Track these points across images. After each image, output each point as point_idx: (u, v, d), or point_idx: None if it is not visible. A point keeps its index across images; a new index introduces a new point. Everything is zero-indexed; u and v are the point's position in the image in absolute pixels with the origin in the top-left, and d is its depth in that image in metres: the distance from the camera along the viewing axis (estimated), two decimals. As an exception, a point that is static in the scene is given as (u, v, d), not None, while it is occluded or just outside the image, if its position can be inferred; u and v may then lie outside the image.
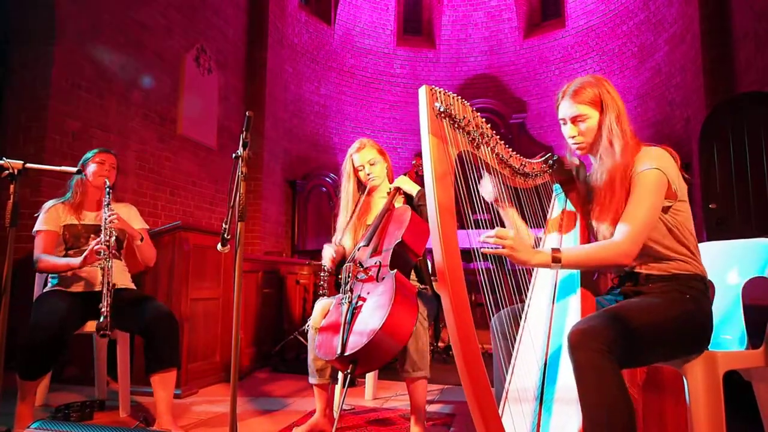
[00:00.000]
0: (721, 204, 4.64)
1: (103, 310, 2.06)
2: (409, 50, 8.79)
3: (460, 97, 1.40)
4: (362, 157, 2.32)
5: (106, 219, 2.19)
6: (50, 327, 2.00)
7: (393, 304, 1.75)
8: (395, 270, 1.93)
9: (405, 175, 2.34)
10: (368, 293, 1.93)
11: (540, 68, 8.23)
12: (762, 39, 4.46)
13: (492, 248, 1.36)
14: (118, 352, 2.40)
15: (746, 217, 4.45)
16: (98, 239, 2.17)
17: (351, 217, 2.33)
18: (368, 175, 2.32)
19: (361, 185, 2.39)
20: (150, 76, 4.61)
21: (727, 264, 1.76)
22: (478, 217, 1.64)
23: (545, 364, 1.36)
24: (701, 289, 1.45)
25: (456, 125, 1.39)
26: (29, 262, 3.25)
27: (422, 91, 1.36)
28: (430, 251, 2.15)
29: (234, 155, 1.53)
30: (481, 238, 1.38)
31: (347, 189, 2.38)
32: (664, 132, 6.38)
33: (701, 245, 1.91)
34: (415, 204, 2.22)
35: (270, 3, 6.55)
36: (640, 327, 1.30)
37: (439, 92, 1.37)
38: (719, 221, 4.61)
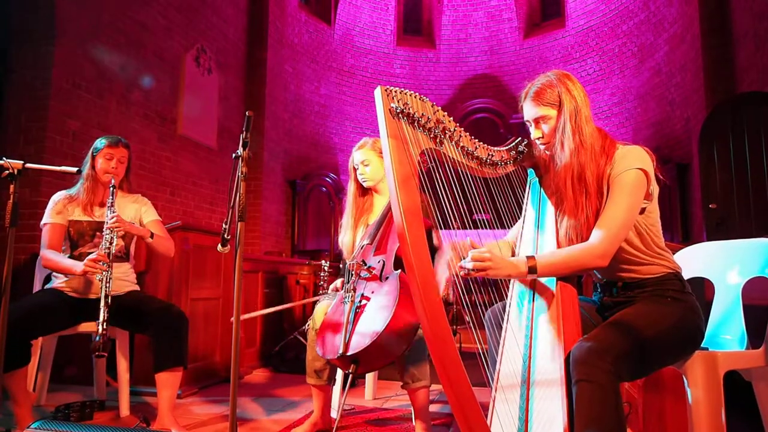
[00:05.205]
0: (721, 204, 4.63)
1: (100, 329, 1.94)
2: (409, 50, 8.78)
3: (417, 94, 1.35)
4: (358, 157, 2.29)
5: (107, 223, 2.16)
6: (12, 322, 1.78)
7: (397, 306, 1.75)
8: (399, 270, 1.93)
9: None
10: (372, 292, 1.92)
11: (540, 68, 8.20)
12: (762, 39, 4.46)
13: (474, 271, 1.33)
14: (118, 351, 2.39)
15: (746, 217, 4.45)
16: (98, 249, 2.11)
17: (351, 216, 2.32)
18: (360, 175, 2.30)
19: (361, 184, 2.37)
20: (150, 76, 4.60)
21: (727, 264, 1.75)
22: (477, 217, 1.64)
23: (529, 354, 1.34)
24: (678, 287, 1.44)
25: (415, 123, 1.34)
26: (30, 261, 3.27)
27: (378, 93, 1.30)
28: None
29: (234, 155, 1.52)
30: (462, 263, 1.35)
31: (349, 187, 2.36)
32: (664, 132, 6.38)
33: (702, 245, 1.92)
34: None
35: (270, 3, 6.55)
36: (645, 343, 1.29)
37: (395, 91, 1.32)
38: (719, 221, 4.60)
